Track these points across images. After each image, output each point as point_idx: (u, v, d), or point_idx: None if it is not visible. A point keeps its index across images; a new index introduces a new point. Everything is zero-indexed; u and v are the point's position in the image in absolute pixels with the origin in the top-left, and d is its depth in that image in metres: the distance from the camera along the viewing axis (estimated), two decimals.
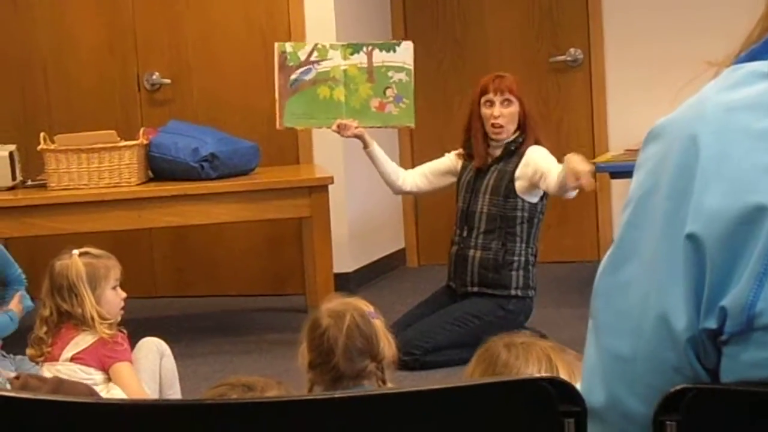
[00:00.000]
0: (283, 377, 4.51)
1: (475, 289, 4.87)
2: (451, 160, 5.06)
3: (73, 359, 3.61)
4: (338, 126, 4.99)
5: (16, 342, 4.20)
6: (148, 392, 3.68)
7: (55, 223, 5.09)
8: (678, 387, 0.84)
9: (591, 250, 6.71)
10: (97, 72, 6.51)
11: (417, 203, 7.06)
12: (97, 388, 3.54)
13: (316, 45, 5.09)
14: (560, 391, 0.85)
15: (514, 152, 4.86)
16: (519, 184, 4.82)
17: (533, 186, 4.79)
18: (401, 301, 5.65)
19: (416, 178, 5.10)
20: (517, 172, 4.82)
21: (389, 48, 5.02)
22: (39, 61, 6.55)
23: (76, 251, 3.70)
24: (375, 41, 5.19)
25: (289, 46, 5.08)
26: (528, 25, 6.84)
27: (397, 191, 5.17)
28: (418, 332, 4.81)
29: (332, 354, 2.74)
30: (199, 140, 5.25)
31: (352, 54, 5.00)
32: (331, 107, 5.01)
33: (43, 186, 5.26)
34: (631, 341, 0.99)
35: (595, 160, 6.10)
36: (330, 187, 5.19)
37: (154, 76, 6.48)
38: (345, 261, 6.16)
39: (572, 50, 6.78)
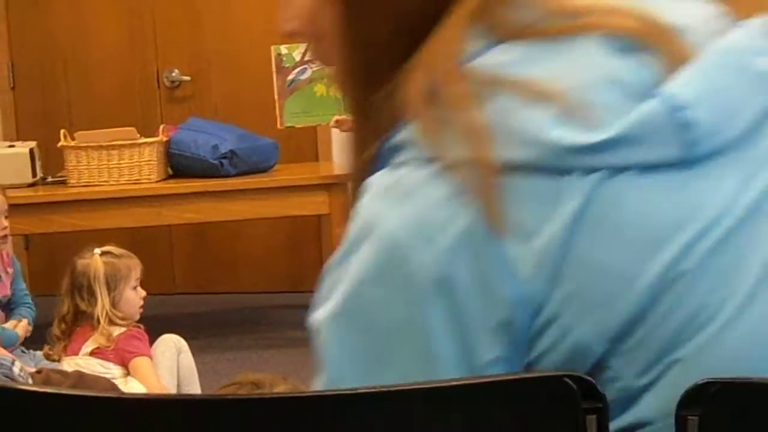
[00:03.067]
0: (301, 373, 4.51)
1: None
2: None
3: (92, 353, 3.63)
4: (336, 122, 5.08)
5: (35, 339, 4.21)
6: (167, 387, 3.70)
7: (74, 220, 5.10)
8: (701, 381, 0.84)
9: None
10: (117, 69, 6.52)
11: None
12: (116, 383, 3.56)
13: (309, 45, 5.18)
14: (583, 388, 0.84)
15: None
16: None
17: None
18: None
19: None
20: None
21: None
22: (59, 58, 6.57)
23: (98, 250, 3.71)
24: None
25: (284, 49, 5.24)
26: None
27: None
28: None
29: None
30: (219, 137, 5.26)
31: None
32: (328, 104, 5.14)
33: (63, 183, 5.27)
34: None
35: None
36: (349, 183, 5.18)
37: (173, 73, 6.49)
38: None
39: None
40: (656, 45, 0.93)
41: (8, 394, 0.91)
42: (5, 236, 4.44)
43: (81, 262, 3.69)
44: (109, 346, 3.62)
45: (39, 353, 4.09)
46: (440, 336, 0.90)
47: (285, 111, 5.20)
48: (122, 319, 3.67)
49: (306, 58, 5.15)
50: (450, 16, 0.97)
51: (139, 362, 3.65)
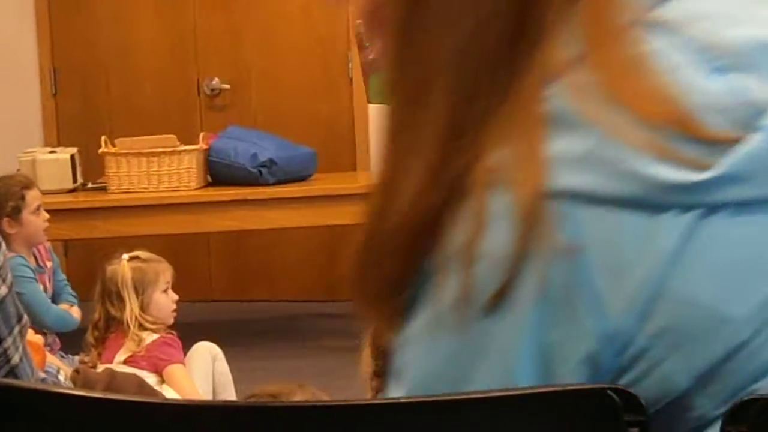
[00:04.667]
0: (337, 383, 4.52)
1: None
2: None
3: (126, 362, 3.64)
4: None
5: (73, 344, 4.24)
6: (202, 394, 3.70)
7: (114, 226, 5.14)
8: (747, 396, 0.83)
9: None
10: (158, 77, 6.56)
11: None
12: None
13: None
14: (625, 401, 0.84)
15: None
16: None
17: None
18: None
19: None
20: None
21: None
22: (101, 65, 6.62)
23: (126, 256, 3.73)
24: None
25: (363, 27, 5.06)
26: None
27: None
28: None
29: None
30: (258, 146, 5.28)
31: None
32: None
33: (103, 189, 5.31)
34: None
35: None
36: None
37: (213, 82, 6.52)
38: None
39: None
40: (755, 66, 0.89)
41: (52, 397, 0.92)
42: (46, 229, 4.49)
43: (110, 269, 3.71)
44: (139, 352, 3.63)
45: (77, 358, 4.12)
46: (524, 362, 0.89)
47: (370, 88, 5.09)
48: (153, 323, 3.67)
49: None
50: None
51: (173, 370, 3.65)
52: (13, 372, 1.50)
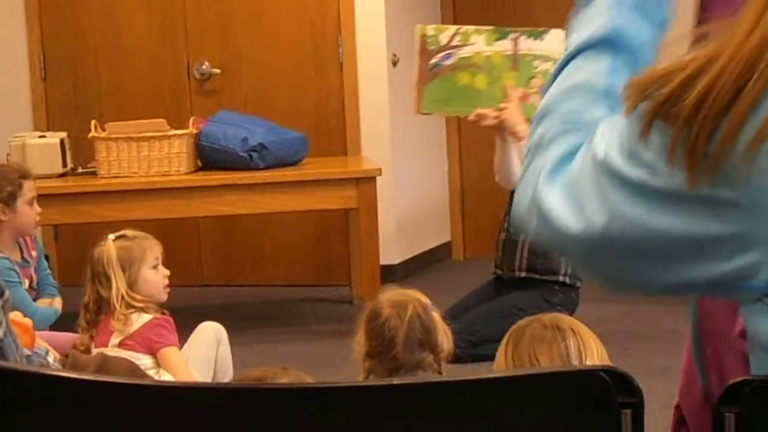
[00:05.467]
0: (329, 367, 4.53)
1: (523, 274, 4.85)
2: None
3: (121, 345, 3.62)
4: (477, 115, 4.64)
5: (65, 329, 4.23)
6: (201, 378, 3.68)
7: (104, 211, 5.13)
8: (737, 379, 0.84)
9: None
10: (148, 61, 6.55)
11: (464, 196, 7.05)
12: (148, 373, 3.55)
13: (458, 29, 4.80)
14: (618, 382, 0.84)
15: None
16: None
17: None
18: (446, 294, 5.63)
19: None
20: None
21: (537, 35, 4.64)
22: (90, 49, 6.60)
23: (112, 236, 3.70)
24: (522, 28, 4.91)
25: (430, 30, 4.76)
26: None
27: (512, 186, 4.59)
28: (463, 326, 4.80)
29: (393, 344, 2.74)
30: (248, 130, 5.27)
31: (497, 40, 4.67)
32: (470, 95, 4.66)
33: (93, 173, 5.30)
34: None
35: None
36: (377, 178, 5.19)
37: (204, 66, 6.51)
38: (391, 253, 6.17)
39: None
40: None
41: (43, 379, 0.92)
42: (37, 222, 4.48)
43: (97, 250, 3.68)
44: (125, 331, 3.59)
45: None
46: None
47: (424, 96, 4.79)
48: (142, 301, 3.63)
49: (453, 43, 4.92)
50: None
51: (168, 352, 3.63)
52: None
